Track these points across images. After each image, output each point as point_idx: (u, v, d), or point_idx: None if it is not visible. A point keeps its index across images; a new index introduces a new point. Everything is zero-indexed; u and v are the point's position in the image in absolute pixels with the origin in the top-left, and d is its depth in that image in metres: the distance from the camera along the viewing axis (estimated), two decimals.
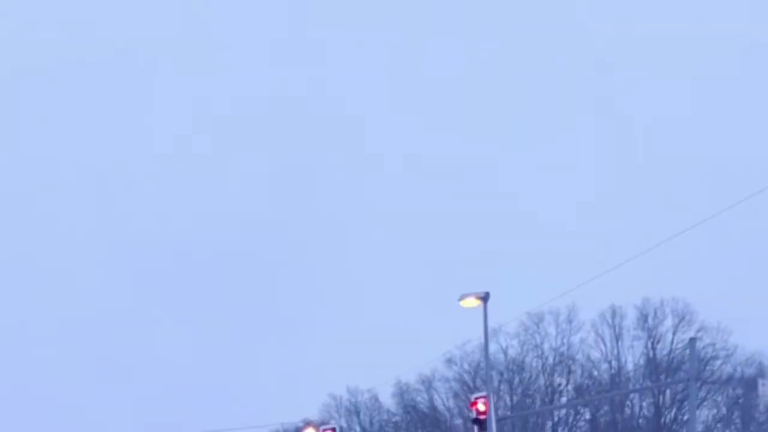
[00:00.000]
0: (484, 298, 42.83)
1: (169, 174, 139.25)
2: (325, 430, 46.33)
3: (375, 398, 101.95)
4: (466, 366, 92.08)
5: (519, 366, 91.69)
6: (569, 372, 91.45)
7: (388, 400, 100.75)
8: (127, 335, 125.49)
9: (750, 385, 78.21)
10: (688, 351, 56.67)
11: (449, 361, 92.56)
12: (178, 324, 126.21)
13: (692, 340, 50.25)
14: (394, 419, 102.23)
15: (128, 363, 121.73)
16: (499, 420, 53.54)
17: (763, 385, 57.26)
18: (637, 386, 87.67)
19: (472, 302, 42.87)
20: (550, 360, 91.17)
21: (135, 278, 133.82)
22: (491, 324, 44.70)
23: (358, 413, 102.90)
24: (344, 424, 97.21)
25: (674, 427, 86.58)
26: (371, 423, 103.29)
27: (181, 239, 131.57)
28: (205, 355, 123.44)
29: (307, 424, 79.34)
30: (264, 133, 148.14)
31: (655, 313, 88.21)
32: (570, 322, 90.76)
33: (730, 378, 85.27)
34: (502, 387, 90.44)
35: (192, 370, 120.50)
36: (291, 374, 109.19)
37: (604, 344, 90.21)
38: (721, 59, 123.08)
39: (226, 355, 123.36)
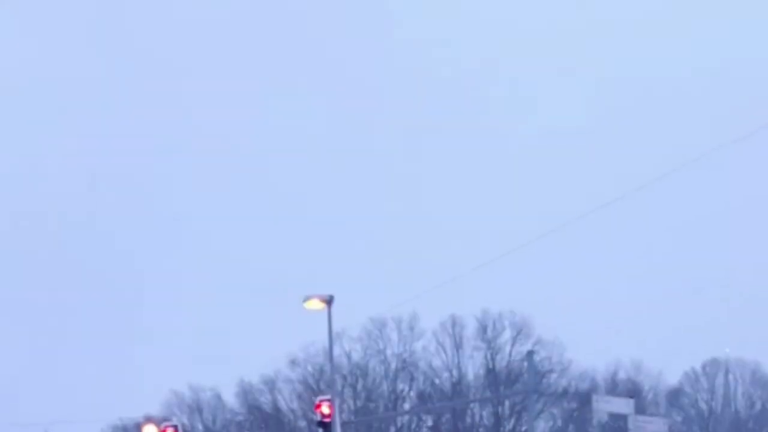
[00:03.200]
0: (329, 300, 43.17)
1: None
2: (166, 426, 46.17)
3: (218, 396, 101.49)
4: (309, 368, 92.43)
5: (362, 370, 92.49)
6: (412, 379, 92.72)
7: (231, 399, 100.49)
8: None
9: (584, 399, 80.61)
10: (526, 363, 58.04)
11: (293, 363, 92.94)
12: None
13: (530, 353, 51.63)
14: (237, 419, 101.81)
15: None
16: (342, 424, 53.87)
17: (596, 401, 59.15)
18: (478, 395, 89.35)
19: (316, 304, 43.15)
20: (393, 366, 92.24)
21: None
22: (335, 327, 45.16)
23: (200, 411, 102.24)
24: (186, 422, 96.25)
25: None
26: (214, 422, 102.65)
27: None
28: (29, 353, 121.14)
29: (148, 419, 78.58)
30: None
31: (494, 325, 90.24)
32: (411, 329, 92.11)
33: (565, 392, 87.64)
34: (345, 391, 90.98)
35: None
36: (130, 368, 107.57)
37: (445, 353, 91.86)
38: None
39: (61, 352, 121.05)
